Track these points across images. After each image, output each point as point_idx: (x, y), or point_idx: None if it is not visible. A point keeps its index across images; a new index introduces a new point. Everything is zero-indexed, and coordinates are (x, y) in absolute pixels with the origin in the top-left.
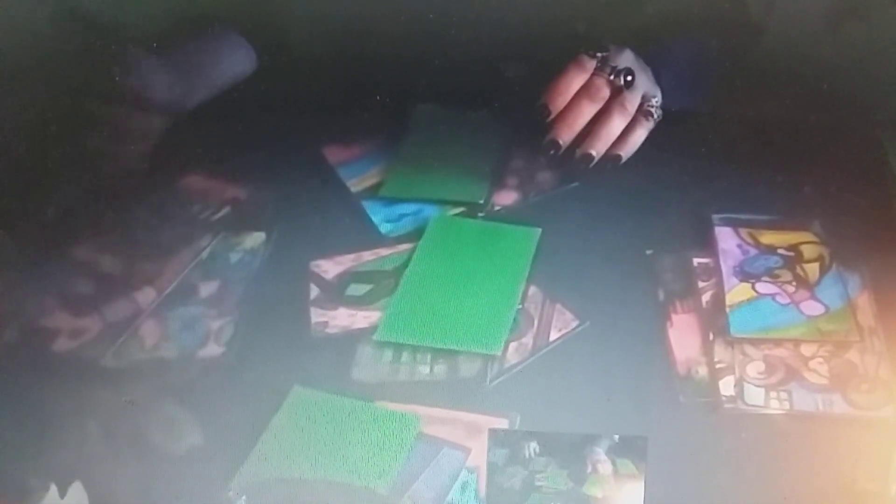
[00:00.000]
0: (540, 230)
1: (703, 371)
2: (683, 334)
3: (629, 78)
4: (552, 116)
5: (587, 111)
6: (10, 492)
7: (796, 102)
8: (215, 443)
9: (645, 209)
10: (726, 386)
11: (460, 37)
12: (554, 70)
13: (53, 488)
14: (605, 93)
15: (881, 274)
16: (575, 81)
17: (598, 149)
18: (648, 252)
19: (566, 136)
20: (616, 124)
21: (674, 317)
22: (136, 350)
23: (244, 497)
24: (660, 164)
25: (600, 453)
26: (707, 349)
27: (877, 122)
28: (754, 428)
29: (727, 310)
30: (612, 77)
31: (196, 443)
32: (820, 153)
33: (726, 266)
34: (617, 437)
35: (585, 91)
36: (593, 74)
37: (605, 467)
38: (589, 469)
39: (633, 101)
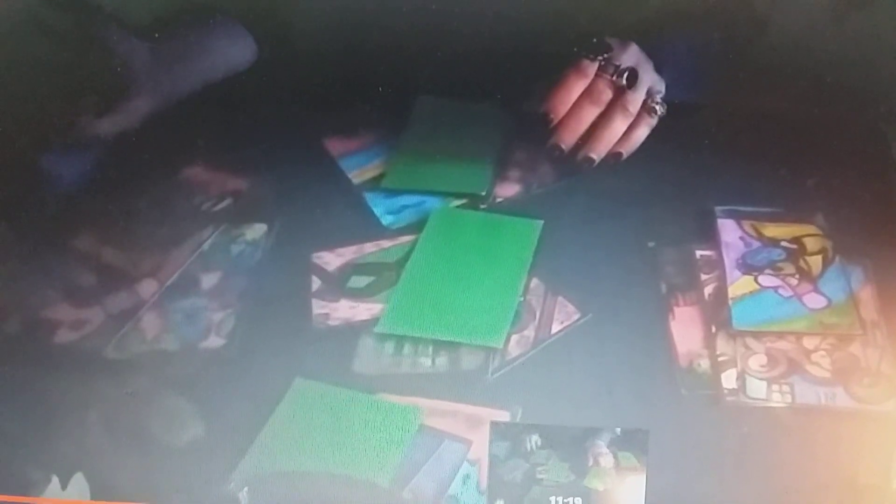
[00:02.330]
0: (542, 222)
1: (704, 364)
2: (685, 327)
3: (632, 78)
4: (555, 123)
5: (589, 115)
6: (12, 483)
7: (799, 95)
8: (217, 435)
9: (647, 201)
10: (728, 379)
11: (463, 28)
12: (556, 65)
13: (55, 480)
14: (608, 95)
15: (884, 267)
16: (576, 87)
17: (599, 151)
18: (650, 244)
19: (569, 140)
20: (618, 126)
21: (676, 309)
22: (138, 342)
23: (246, 489)
24: (662, 156)
25: (602, 446)
26: (709, 342)
27: (880, 114)
28: (756, 421)
29: (729, 302)
30: (614, 77)
31: (197, 435)
32: (823, 146)
33: (729, 259)
34: (619, 429)
35: (588, 95)
36: (595, 76)
37: (607, 460)
38: (591, 462)
39: (635, 102)
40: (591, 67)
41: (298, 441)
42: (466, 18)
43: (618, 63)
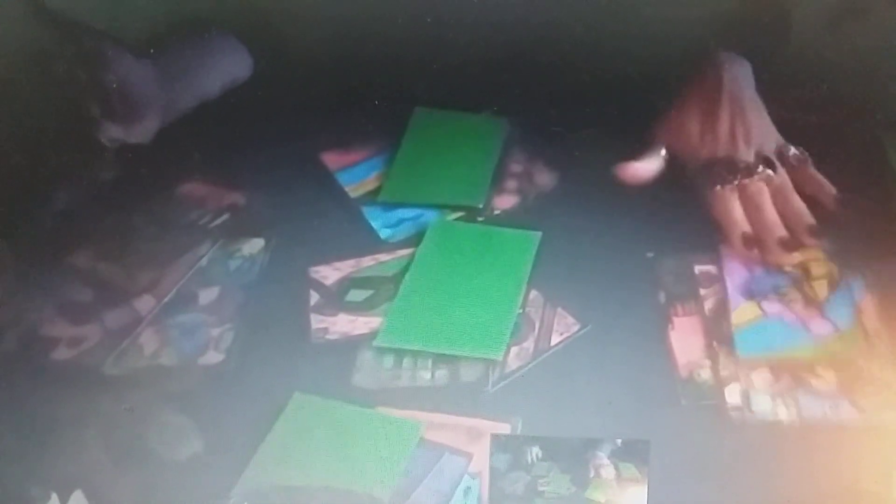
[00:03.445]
0: (540, 234)
1: (705, 374)
2: (685, 337)
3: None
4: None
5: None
6: (11, 501)
7: (795, 103)
8: (216, 450)
9: (645, 212)
10: (732, 394)
11: (458, 39)
12: (552, 75)
13: (54, 497)
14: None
15: (885, 277)
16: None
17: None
18: (649, 255)
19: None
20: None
21: (675, 319)
22: (136, 358)
23: None
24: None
25: (603, 457)
26: (711, 354)
27: (877, 122)
28: (757, 430)
29: (733, 329)
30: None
31: (197, 450)
32: (820, 156)
33: (732, 284)
34: (619, 440)
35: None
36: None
37: (608, 471)
38: (592, 473)
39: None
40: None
41: (298, 456)
42: (462, 30)
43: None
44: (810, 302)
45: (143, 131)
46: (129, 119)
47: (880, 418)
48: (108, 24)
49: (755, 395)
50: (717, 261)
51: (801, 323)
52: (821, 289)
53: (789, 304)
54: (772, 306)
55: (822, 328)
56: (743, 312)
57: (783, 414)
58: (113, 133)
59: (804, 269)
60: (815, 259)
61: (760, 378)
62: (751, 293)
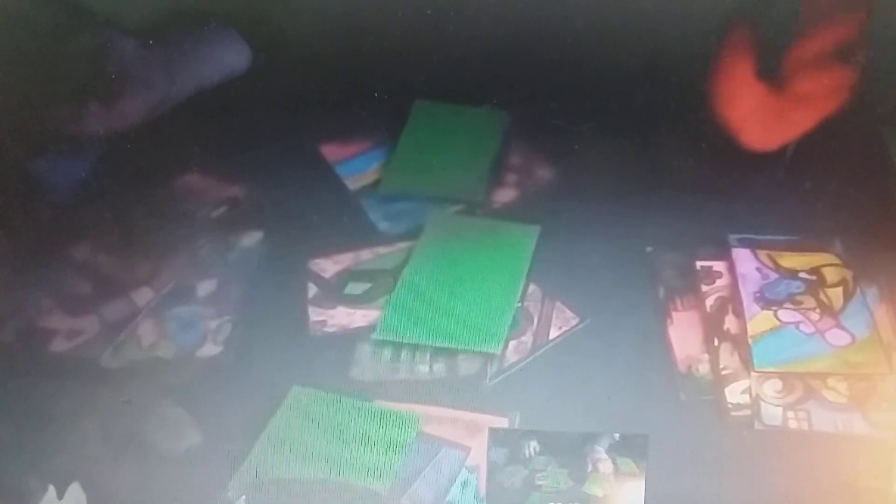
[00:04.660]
0: (539, 227)
1: (703, 369)
2: (684, 332)
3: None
4: None
5: None
6: (9, 493)
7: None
8: (214, 443)
9: (645, 206)
10: (732, 393)
11: (459, 33)
12: (551, 68)
13: (51, 489)
14: None
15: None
16: None
17: None
18: (648, 249)
19: None
20: None
21: (674, 314)
22: (134, 350)
23: (243, 497)
24: (657, 161)
25: (601, 452)
26: (710, 348)
27: (877, 116)
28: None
29: (749, 341)
30: None
31: (195, 443)
32: (821, 150)
33: (746, 292)
34: (617, 435)
35: None
36: None
37: (606, 466)
38: (589, 468)
39: None
40: None
41: (296, 449)
42: (462, 23)
43: None
44: (825, 310)
45: (125, 118)
46: (122, 104)
47: (892, 434)
48: (110, 12)
49: (766, 406)
50: (722, 258)
51: (818, 333)
52: (836, 297)
53: (805, 312)
54: (788, 315)
55: (838, 338)
56: (759, 322)
57: (794, 427)
58: (102, 117)
59: (819, 275)
60: (830, 264)
61: (772, 389)
62: (766, 301)
